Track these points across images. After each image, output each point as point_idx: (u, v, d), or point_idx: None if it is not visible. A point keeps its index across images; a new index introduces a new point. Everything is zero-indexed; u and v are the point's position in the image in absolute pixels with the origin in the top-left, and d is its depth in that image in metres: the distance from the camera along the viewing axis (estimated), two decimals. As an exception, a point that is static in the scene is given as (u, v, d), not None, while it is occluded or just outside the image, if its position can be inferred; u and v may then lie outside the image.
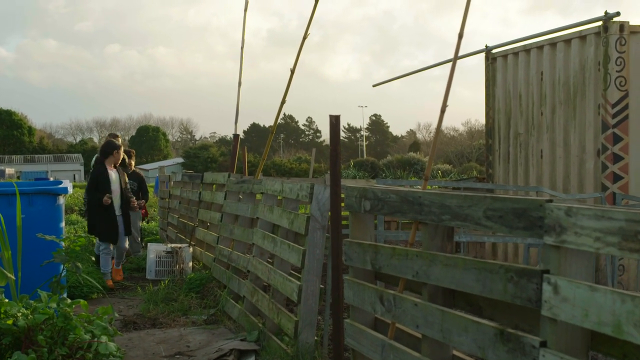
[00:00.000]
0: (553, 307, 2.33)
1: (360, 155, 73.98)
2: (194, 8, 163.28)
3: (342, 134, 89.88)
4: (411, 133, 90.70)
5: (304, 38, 6.69)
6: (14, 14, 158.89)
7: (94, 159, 10.05)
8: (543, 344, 2.40)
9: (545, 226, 2.39)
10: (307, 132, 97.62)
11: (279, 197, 6.01)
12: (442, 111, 3.24)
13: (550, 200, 2.40)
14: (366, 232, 3.88)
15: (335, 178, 3.65)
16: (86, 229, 11.31)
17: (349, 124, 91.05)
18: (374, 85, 14.37)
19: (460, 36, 3.14)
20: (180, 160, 66.40)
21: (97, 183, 8.54)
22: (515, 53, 9.84)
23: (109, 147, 8.86)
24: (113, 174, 8.68)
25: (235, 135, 8.57)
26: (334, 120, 3.61)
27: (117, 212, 8.66)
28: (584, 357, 2.37)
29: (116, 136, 10.50)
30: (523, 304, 2.51)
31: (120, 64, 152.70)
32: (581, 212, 2.23)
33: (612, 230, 2.10)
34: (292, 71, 6.93)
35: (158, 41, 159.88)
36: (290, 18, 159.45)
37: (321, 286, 5.00)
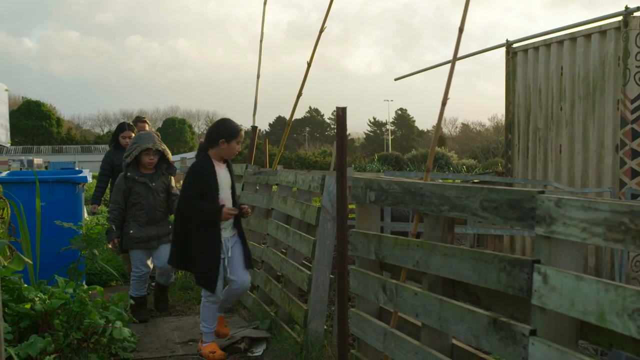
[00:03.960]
0: (542, 296, 2.37)
1: (386, 149, 73.89)
2: (214, 0, 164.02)
3: (367, 128, 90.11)
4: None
5: (321, 31, 6.76)
6: (36, 5, 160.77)
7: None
8: (533, 332, 2.45)
9: (537, 217, 2.43)
10: (332, 126, 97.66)
11: (293, 189, 6.09)
12: (443, 104, 3.28)
13: (542, 192, 2.44)
14: (372, 223, 3.94)
15: (342, 169, 3.72)
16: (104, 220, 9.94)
17: (374, 118, 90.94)
18: (395, 79, 14.38)
19: (461, 30, 3.18)
20: (206, 152, 66.66)
21: (201, 187, 5.10)
22: (536, 47, 9.80)
23: (221, 132, 5.17)
24: (222, 173, 5.22)
25: (254, 127, 8.64)
26: (341, 113, 3.67)
27: (228, 233, 5.24)
28: (573, 345, 2.41)
29: (142, 120, 8.60)
30: (515, 293, 2.55)
31: (141, 55, 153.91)
32: (570, 204, 2.27)
33: (598, 221, 2.14)
34: (309, 64, 7.00)
35: (178, 33, 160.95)
36: (310, 10, 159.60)
37: (331, 276, 5.08)
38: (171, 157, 6.49)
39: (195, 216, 5.08)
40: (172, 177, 6.54)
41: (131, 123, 8.09)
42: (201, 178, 5.08)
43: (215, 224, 5.06)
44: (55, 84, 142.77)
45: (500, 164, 46.79)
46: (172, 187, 6.49)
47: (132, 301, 5.78)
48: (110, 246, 6.18)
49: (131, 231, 6.21)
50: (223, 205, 5.10)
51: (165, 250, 6.09)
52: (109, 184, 7.72)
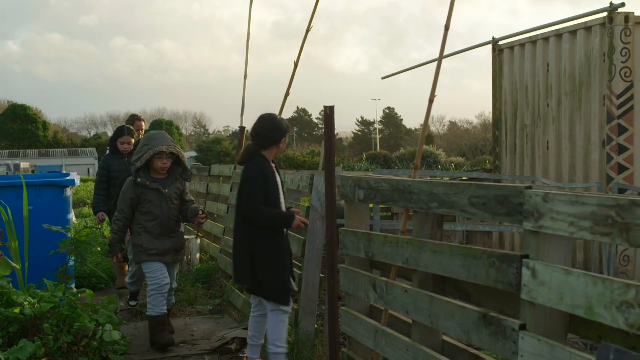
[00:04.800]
0: (531, 290, 2.39)
1: (374, 148, 73.97)
2: (199, 1, 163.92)
3: (356, 127, 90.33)
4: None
5: (307, 30, 6.76)
6: (19, 7, 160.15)
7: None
8: (523, 327, 2.46)
9: (525, 212, 2.45)
10: (320, 126, 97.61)
11: (282, 189, 6.08)
12: (431, 101, 3.30)
13: (530, 187, 2.46)
14: (361, 221, 3.96)
15: (330, 168, 3.72)
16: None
17: (362, 117, 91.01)
18: (383, 78, 14.42)
19: (447, 28, 3.20)
20: (194, 154, 66.58)
21: (267, 191, 4.50)
22: (522, 45, 9.85)
23: (281, 129, 4.67)
24: (277, 176, 4.68)
25: (242, 128, 8.64)
26: (329, 111, 3.68)
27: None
28: (563, 339, 2.43)
29: (140, 118, 8.07)
30: (504, 288, 2.57)
31: (127, 57, 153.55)
32: (557, 198, 2.28)
33: (585, 215, 2.16)
34: (296, 64, 7.00)
35: (164, 35, 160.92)
36: (295, 10, 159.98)
37: (322, 275, 5.08)
38: (186, 161, 5.74)
39: (263, 224, 4.46)
40: (187, 183, 5.83)
41: (131, 127, 7.35)
42: (267, 182, 4.50)
43: (281, 230, 4.54)
44: (40, 87, 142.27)
45: (488, 161, 46.98)
46: (186, 194, 5.77)
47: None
48: (114, 261, 5.64)
49: (143, 243, 5.46)
50: (291, 211, 4.52)
51: (175, 270, 5.81)
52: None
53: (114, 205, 6.77)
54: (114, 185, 6.97)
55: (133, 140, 7.11)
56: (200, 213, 5.64)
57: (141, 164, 5.40)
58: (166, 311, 5.62)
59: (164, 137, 5.56)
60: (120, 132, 7.20)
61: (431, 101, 3.32)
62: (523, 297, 2.43)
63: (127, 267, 7.21)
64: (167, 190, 5.53)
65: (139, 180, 5.43)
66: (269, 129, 4.63)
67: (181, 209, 5.68)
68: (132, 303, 6.62)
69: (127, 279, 6.66)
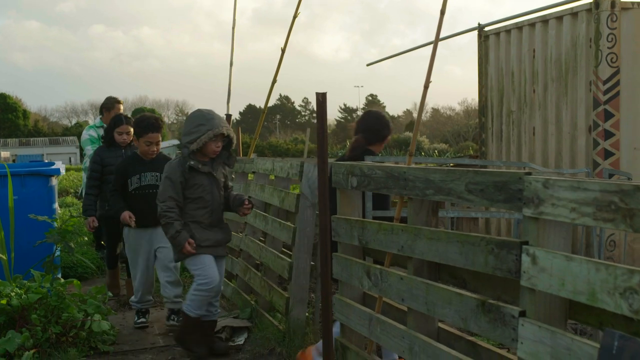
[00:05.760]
0: (532, 277, 2.37)
1: (357, 135, 73.90)
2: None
3: (338, 115, 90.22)
4: (407, 113, 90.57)
5: (294, 17, 6.70)
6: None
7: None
8: (522, 314, 2.45)
9: (524, 198, 2.42)
10: (303, 113, 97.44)
11: (271, 177, 6.05)
12: (426, 87, 3.27)
13: (529, 173, 2.44)
14: (354, 209, 3.93)
15: (323, 155, 3.69)
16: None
17: (345, 104, 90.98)
18: (368, 65, 14.35)
19: (442, 12, 3.17)
20: (176, 142, 66.06)
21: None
22: (508, 30, 9.83)
23: (389, 127, 4.83)
24: None
25: (228, 115, 8.56)
26: (321, 98, 3.64)
27: None
28: (562, 325, 2.42)
29: (119, 101, 7.58)
30: (503, 275, 2.55)
31: (106, 45, 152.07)
32: (558, 184, 2.26)
33: (587, 201, 2.14)
34: (283, 51, 6.95)
35: (142, 21, 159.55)
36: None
37: (312, 263, 5.06)
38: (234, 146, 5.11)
39: None
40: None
41: (129, 116, 6.53)
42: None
43: None
44: (18, 75, 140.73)
45: (472, 147, 47.13)
46: (228, 180, 5.17)
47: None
48: (189, 249, 4.71)
49: (193, 234, 4.78)
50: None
51: (222, 269, 5.08)
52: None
53: (108, 209, 6.01)
54: (107, 181, 6.09)
55: (132, 130, 6.12)
56: (246, 203, 5.02)
57: (197, 146, 4.71)
58: (205, 313, 4.96)
59: (220, 118, 4.91)
60: (117, 120, 6.37)
61: (426, 87, 3.29)
62: (523, 283, 2.42)
63: (119, 276, 6.78)
64: (216, 174, 4.94)
65: (191, 163, 4.75)
66: (381, 124, 4.71)
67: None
68: (142, 320, 5.74)
69: (132, 299, 5.87)
